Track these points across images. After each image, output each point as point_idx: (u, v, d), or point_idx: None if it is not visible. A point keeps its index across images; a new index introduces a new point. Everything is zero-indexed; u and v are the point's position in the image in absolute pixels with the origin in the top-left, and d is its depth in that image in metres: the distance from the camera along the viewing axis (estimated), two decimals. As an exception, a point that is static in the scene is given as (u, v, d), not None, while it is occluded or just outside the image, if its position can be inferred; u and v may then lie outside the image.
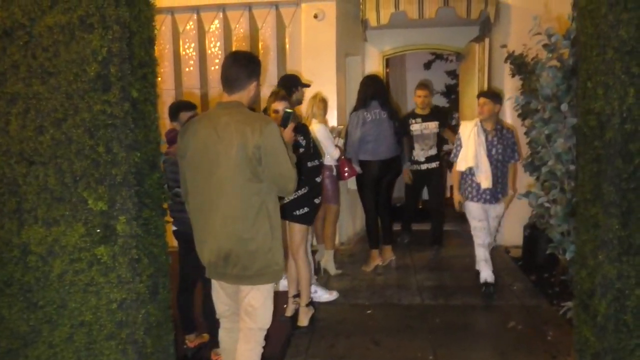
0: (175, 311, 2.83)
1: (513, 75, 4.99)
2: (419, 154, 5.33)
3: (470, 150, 4.16)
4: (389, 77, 7.57)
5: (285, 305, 3.86)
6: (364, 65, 6.44)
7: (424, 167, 5.36)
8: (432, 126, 5.30)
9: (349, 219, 6.03)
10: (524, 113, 4.28)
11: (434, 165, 5.37)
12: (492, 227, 4.33)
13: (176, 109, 3.27)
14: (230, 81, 2.41)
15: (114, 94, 2.14)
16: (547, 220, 2.80)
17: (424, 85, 5.42)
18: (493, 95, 4.20)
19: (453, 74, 8.08)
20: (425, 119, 5.28)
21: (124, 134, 2.17)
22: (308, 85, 4.37)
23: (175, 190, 2.99)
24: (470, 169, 4.18)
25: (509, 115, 5.44)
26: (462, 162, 4.24)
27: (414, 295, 4.35)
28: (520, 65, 4.86)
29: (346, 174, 4.82)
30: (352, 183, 5.39)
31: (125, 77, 2.15)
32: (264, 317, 2.53)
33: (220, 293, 2.62)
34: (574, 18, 2.41)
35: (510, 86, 5.30)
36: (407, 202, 5.92)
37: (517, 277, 4.67)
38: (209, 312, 3.25)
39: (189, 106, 3.32)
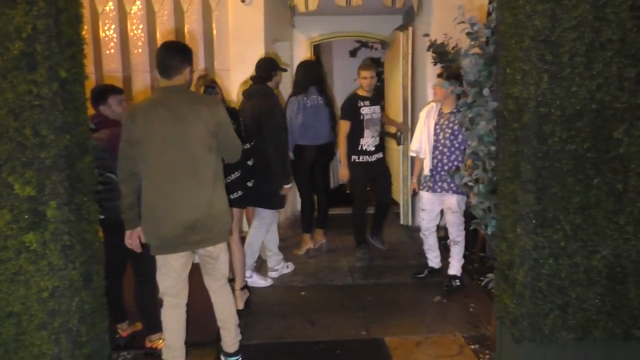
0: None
1: (435, 64, 5.22)
2: (369, 142, 4.74)
3: (417, 133, 4.18)
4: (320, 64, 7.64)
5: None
6: (292, 51, 6.46)
7: (373, 157, 4.79)
8: (378, 110, 4.85)
9: (279, 204, 6.07)
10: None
11: (382, 155, 4.91)
12: (449, 221, 4.06)
13: (103, 93, 3.12)
14: (167, 68, 2.61)
15: (40, 74, 2.05)
16: (470, 199, 3.02)
17: (368, 65, 5.02)
18: (447, 77, 4.08)
19: (377, 62, 8.30)
20: (373, 101, 4.80)
21: (53, 115, 2.09)
22: (285, 69, 4.46)
23: (106, 176, 2.89)
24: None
25: (429, 100, 5.69)
26: (412, 146, 4.27)
27: (346, 276, 4.49)
28: (442, 54, 5.08)
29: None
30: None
31: (53, 55, 2.06)
32: (227, 268, 2.91)
33: (169, 268, 2.71)
34: (494, 8, 2.57)
35: (432, 73, 5.54)
36: (357, 207, 4.91)
37: (442, 255, 4.93)
38: (142, 299, 3.19)
39: (116, 90, 3.19)
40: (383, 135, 5.09)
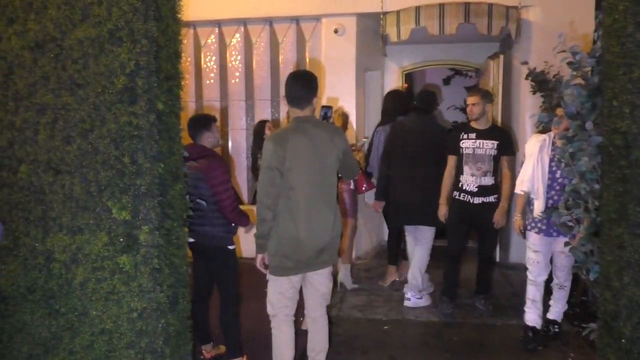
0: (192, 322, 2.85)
1: (534, 92, 4.96)
2: (469, 180, 4.06)
3: (527, 169, 3.55)
4: (410, 92, 7.58)
5: (301, 319, 3.85)
6: (383, 80, 6.46)
7: (475, 200, 4.05)
8: (489, 145, 4.01)
9: (366, 233, 6.01)
10: (545, 130, 4.25)
11: (490, 199, 4.03)
12: (557, 264, 3.58)
13: (208, 120, 3.25)
14: (299, 99, 2.79)
15: (140, 106, 2.18)
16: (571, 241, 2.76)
17: (472, 89, 4.59)
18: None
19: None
20: (481, 134, 4.04)
21: (149, 145, 2.20)
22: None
23: (197, 202, 3.01)
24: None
25: (529, 132, 5.40)
26: (519, 183, 3.65)
27: (432, 312, 4.30)
28: (542, 83, 4.84)
29: (364, 188, 4.81)
30: (369, 197, 5.38)
31: (151, 89, 2.18)
32: (330, 294, 2.99)
33: (288, 287, 2.84)
34: (599, 36, 2.39)
35: (529, 103, 5.28)
36: (449, 257, 4.24)
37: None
38: (227, 322, 3.26)
39: (214, 117, 3.35)
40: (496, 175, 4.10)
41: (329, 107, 3.19)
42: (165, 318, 2.32)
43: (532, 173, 3.48)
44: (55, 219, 2.32)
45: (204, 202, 3.03)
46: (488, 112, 4.06)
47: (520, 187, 3.61)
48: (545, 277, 3.63)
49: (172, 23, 2.34)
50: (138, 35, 2.16)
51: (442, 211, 4.15)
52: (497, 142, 3.98)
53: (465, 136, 4.07)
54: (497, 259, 5.65)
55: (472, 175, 4.01)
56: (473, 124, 4.09)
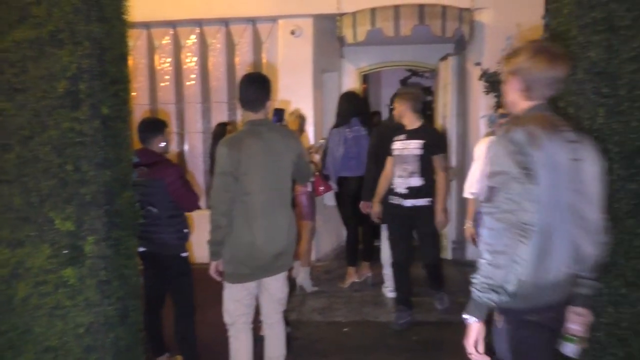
0: (144, 334, 2.76)
1: (487, 93, 5.06)
2: (398, 182, 3.92)
3: (475, 172, 3.47)
4: (366, 94, 7.63)
5: (260, 324, 3.79)
6: (340, 81, 6.47)
7: (406, 202, 3.88)
8: (416, 145, 3.86)
9: (325, 235, 6.00)
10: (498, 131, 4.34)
11: (423, 202, 3.87)
12: None
13: (160, 124, 3.17)
14: (253, 102, 2.73)
15: (83, 111, 2.09)
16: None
17: (399, 93, 4.19)
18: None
19: (429, 91, 8.18)
20: (410, 135, 3.91)
21: (94, 152, 2.12)
22: None
23: (147, 209, 2.92)
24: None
25: (483, 132, 5.51)
26: (467, 187, 3.53)
27: (391, 312, 4.31)
28: (495, 83, 4.93)
29: (321, 189, 4.80)
30: (328, 198, 5.37)
31: (95, 94, 2.11)
32: (286, 299, 2.96)
33: (244, 294, 2.78)
34: (546, 39, 2.44)
35: (483, 103, 5.38)
36: (396, 265, 4.07)
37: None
38: (183, 332, 3.17)
39: (166, 123, 3.26)
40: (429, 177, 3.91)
41: (282, 110, 3.16)
42: (114, 332, 2.24)
43: (479, 175, 3.39)
44: (-7, 232, 2.20)
45: (155, 209, 2.94)
46: (413, 112, 3.91)
47: (469, 190, 3.52)
48: None
49: (118, 24, 2.27)
50: (80, 37, 2.08)
51: (375, 209, 4.15)
52: (424, 142, 3.82)
53: (397, 137, 3.94)
54: (451, 257, 5.74)
55: (400, 176, 3.89)
56: (406, 125, 3.96)
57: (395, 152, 3.92)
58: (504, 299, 1.66)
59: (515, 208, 1.64)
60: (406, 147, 3.87)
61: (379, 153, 4.20)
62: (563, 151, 1.72)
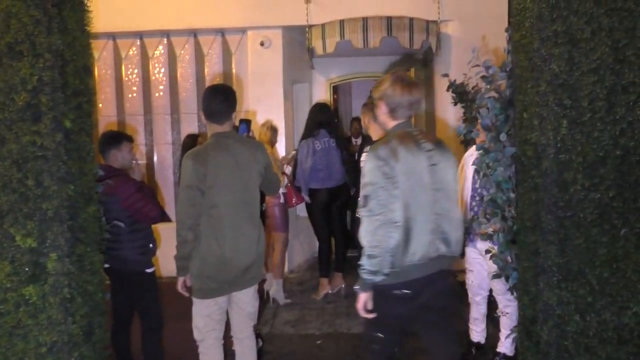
0: (111, 351, 2.69)
1: (455, 104, 5.15)
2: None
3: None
4: (337, 105, 7.66)
5: (231, 338, 3.73)
6: (311, 92, 6.48)
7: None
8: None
9: (298, 245, 5.97)
10: (466, 141, 4.40)
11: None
12: (492, 285, 3.40)
13: (118, 137, 3.07)
14: (218, 114, 2.69)
15: (44, 124, 2.03)
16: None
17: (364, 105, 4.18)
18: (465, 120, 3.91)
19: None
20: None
21: (56, 166, 2.06)
22: None
23: (114, 224, 2.85)
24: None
25: (453, 143, 5.59)
26: None
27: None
28: (462, 94, 5.02)
29: (294, 201, 4.79)
30: (301, 210, 5.35)
31: (57, 106, 2.05)
32: (257, 313, 2.94)
33: (215, 309, 2.72)
34: (509, 51, 2.49)
35: (452, 114, 5.46)
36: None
37: (464, 301, 4.72)
38: (151, 349, 3.10)
39: (128, 137, 3.15)
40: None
41: (248, 121, 3.13)
42: (78, 351, 2.17)
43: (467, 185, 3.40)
44: (-51, 249, 2.10)
45: (121, 224, 2.87)
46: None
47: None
48: (485, 291, 3.49)
49: (80, 36, 2.22)
50: (41, 49, 2.02)
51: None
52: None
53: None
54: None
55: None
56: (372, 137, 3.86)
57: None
58: (381, 278, 2.22)
59: (384, 210, 2.15)
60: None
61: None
62: (421, 159, 2.25)
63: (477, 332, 3.61)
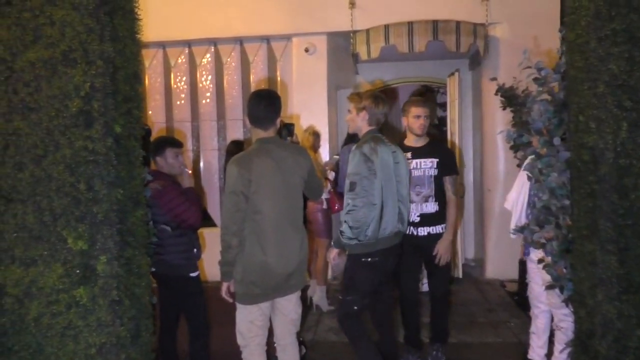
0: (157, 354, 2.72)
1: (504, 108, 5.00)
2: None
3: (515, 186, 3.37)
4: (390, 109, 7.59)
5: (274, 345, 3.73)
6: (355, 98, 6.44)
7: (421, 232, 3.49)
8: (430, 165, 3.47)
9: (341, 252, 5.93)
10: (516, 146, 4.26)
11: (439, 229, 3.49)
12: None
13: (161, 144, 3.13)
14: (263, 120, 2.71)
15: (96, 130, 2.08)
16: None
17: (418, 100, 3.61)
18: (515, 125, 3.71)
19: (445, 106, 8.13)
20: (418, 153, 3.48)
21: (106, 170, 2.10)
22: None
23: (160, 228, 2.89)
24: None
25: (501, 148, 5.43)
26: (507, 201, 3.43)
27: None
28: (511, 98, 4.88)
29: (337, 207, 4.75)
30: (344, 216, 5.31)
31: (108, 112, 2.09)
32: (300, 320, 2.93)
33: (258, 315, 2.72)
34: (563, 52, 2.38)
35: (500, 119, 5.31)
36: (406, 300, 3.67)
37: (514, 312, 4.57)
38: (197, 353, 3.13)
39: (175, 142, 3.21)
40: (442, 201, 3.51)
41: (291, 125, 3.11)
42: (126, 352, 2.20)
43: (514, 191, 3.34)
44: (6, 251, 2.18)
45: (168, 228, 2.92)
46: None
47: (506, 205, 3.44)
48: (545, 302, 3.24)
49: (131, 43, 2.26)
50: (93, 57, 2.07)
51: None
52: (437, 160, 3.45)
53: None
54: (461, 275, 5.62)
55: (412, 201, 3.37)
56: (408, 142, 3.53)
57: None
58: (355, 243, 2.88)
59: (366, 194, 2.84)
60: (417, 167, 3.44)
61: None
62: (389, 157, 2.97)
63: (533, 348, 3.42)
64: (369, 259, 2.93)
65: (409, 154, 3.39)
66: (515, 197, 3.35)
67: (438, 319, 3.67)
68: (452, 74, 5.66)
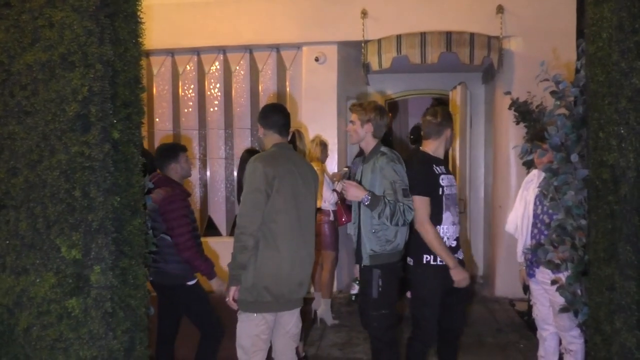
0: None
1: (517, 123, 4.89)
2: (450, 231, 2.95)
3: (515, 207, 3.30)
4: (392, 122, 7.51)
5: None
6: (365, 109, 6.36)
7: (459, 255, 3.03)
8: (454, 182, 3.09)
9: (347, 265, 5.82)
10: (529, 162, 4.14)
11: (461, 255, 3.03)
12: (554, 319, 3.08)
13: (175, 149, 3.10)
14: (285, 127, 2.79)
15: (93, 135, 2.01)
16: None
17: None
18: (530, 139, 3.60)
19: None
20: (446, 168, 3.06)
21: (103, 177, 2.02)
22: None
23: (160, 237, 2.81)
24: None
25: (513, 163, 5.31)
26: (507, 224, 3.38)
27: (414, 350, 4.09)
28: (525, 113, 4.77)
29: (344, 220, 4.65)
30: (350, 228, 5.21)
31: (106, 117, 2.02)
32: (299, 334, 2.84)
33: (264, 328, 2.61)
34: (582, 65, 2.28)
35: (514, 134, 5.20)
36: (426, 342, 2.99)
37: (523, 333, 4.43)
38: (203, 357, 3.03)
39: (185, 147, 3.19)
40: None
41: (300, 131, 3.16)
42: (118, 367, 2.10)
43: (515, 212, 3.23)
44: (-3, 258, 2.11)
45: (168, 237, 2.84)
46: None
47: (507, 227, 3.36)
48: (551, 326, 3.12)
49: (132, 47, 2.19)
50: (92, 60, 2.00)
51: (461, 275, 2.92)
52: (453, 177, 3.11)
53: (438, 169, 2.95)
54: (483, 292, 5.49)
55: (453, 224, 2.96)
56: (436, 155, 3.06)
57: (446, 191, 2.94)
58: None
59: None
60: (452, 185, 3.01)
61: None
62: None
63: None
64: (392, 267, 2.92)
65: (442, 168, 2.99)
66: (514, 218, 3.26)
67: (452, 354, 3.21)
68: (455, 87, 5.58)
